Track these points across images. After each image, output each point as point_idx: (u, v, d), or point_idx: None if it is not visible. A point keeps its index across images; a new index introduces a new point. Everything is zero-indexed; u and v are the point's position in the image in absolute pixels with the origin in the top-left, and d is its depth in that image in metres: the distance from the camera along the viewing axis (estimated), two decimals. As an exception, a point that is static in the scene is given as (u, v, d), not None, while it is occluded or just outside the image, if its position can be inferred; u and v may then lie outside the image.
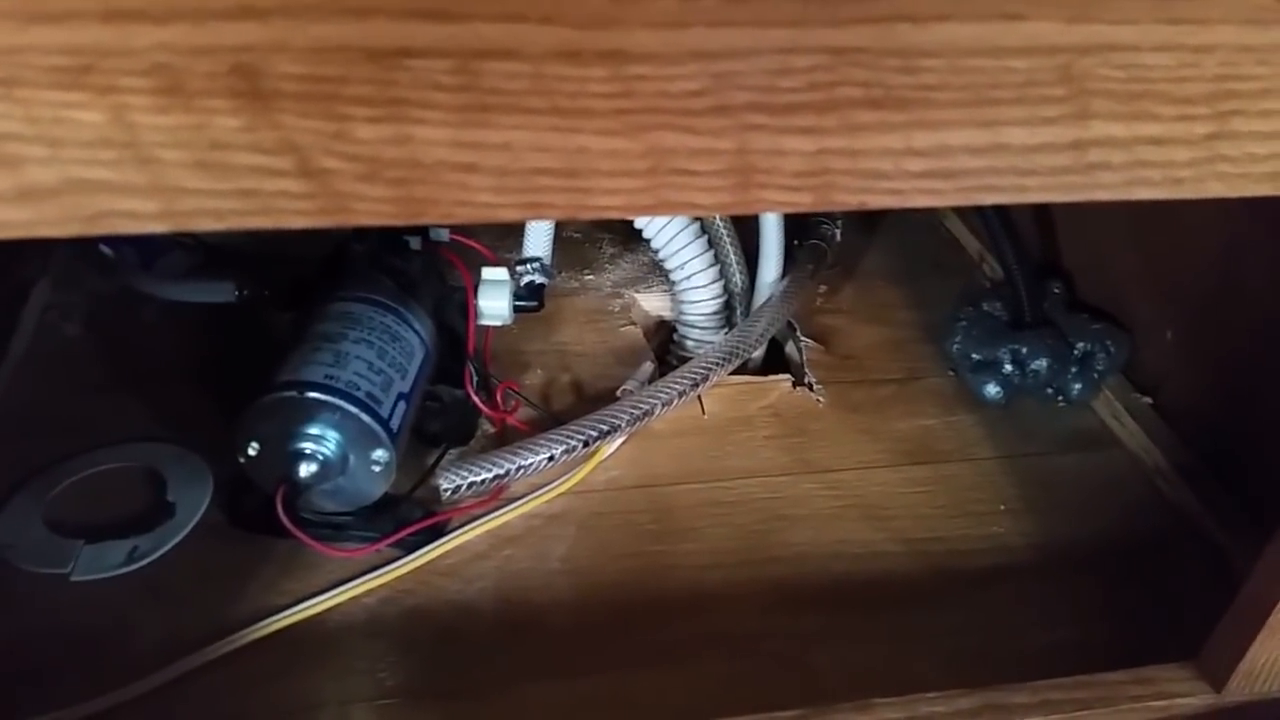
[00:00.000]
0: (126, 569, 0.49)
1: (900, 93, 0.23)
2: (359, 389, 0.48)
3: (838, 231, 0.74)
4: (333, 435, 0.48)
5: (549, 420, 0.59)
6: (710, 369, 0.61)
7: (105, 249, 0.64)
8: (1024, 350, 0.63)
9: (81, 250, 0.65)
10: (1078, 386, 0.64)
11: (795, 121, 0.23)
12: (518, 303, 0.58)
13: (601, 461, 0.57)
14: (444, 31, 0.21)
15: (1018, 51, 0.23)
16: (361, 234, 0.56)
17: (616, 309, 0.70)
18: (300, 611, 0.48)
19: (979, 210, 0.68)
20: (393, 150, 0.22)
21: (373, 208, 0.22)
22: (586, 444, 0.56)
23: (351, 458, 0.48)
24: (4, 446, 0.55)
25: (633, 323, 0.69)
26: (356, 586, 0.49)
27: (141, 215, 0.21)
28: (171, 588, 0.49)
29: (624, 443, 0.59)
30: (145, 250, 0.65)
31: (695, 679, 0.46)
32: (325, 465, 0.48)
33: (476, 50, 0.21)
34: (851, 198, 0.25)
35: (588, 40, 0.21)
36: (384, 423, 0.48)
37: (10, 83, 0.20)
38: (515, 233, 0.60)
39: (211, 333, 0.61)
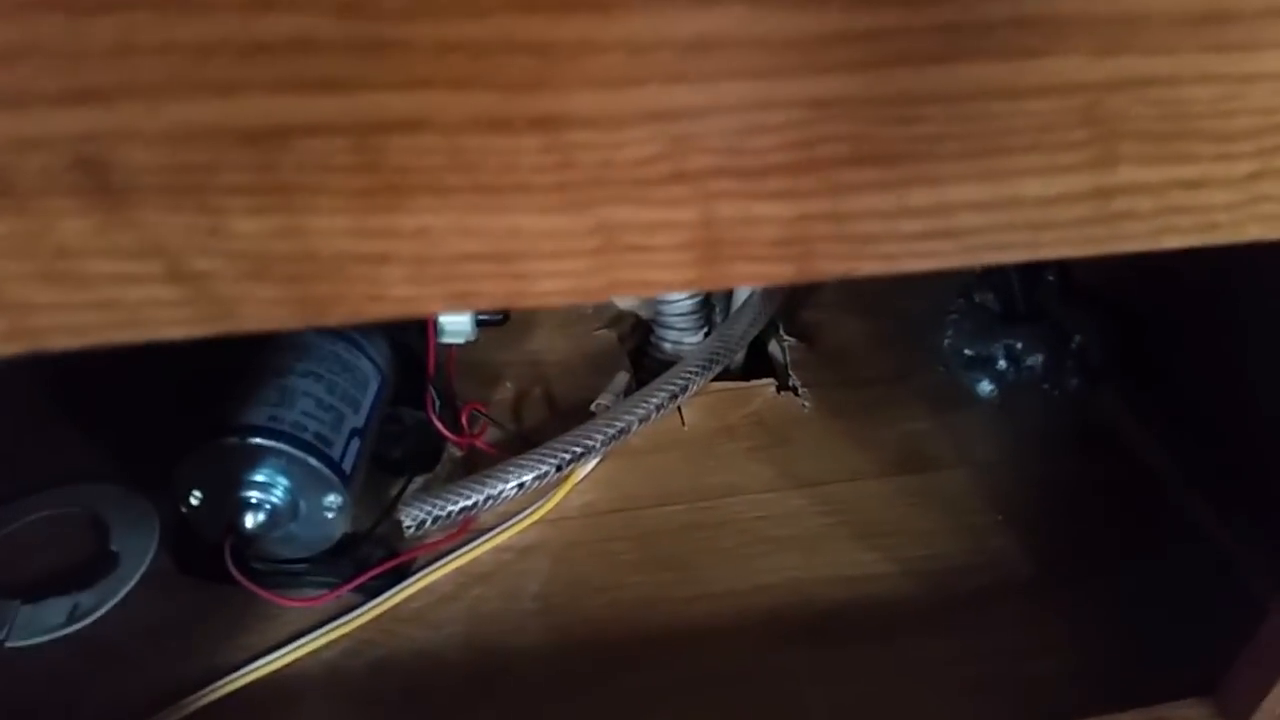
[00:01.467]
0: (67, 629, 0.45)
1: (892, 146, 0.20)
2: (306, 430, 0.44)
3: (820, 219, 0.70)
4: (280, 481, 0.44)
5: (519, 442, 0.55)
6: (689, 379, 0.57)
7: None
8: (1019, 345, 0.60)
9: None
10: (1075, 381, 0.61)
11: (768, 185, 0.19)
12: (480, 316, 0.55)
13: (576, 485, 0.54)
14: (333, 104, 0.17)
15: (1034, 92, 0.20)
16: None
17: (590, 311, 0.66)
18: (256, 670, 0.45)
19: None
20: (282, 244, 0.18)
21: (264, 311, 0.19)
22: (559, 468, 0.52)
23: (302, 503, 0.45)
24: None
25: (606, 327, 0.65)
26: (316, 638, 0.46)
27: (-19, 337, 0.18)
28: (117, 648, 0.45)
29: (599, 463, 0.55)
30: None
31: (677, 708, 0.43)
32: (274, 513, 0.44)
33: (376, 124, 0.17)
34: (838, 266, 0.21)
35: (516, 105, 0.17)
36: (335, 465, 0.45)
37: None
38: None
39: (157, 364, 0.57)
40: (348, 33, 0.16)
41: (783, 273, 0.21)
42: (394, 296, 0.19)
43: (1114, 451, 0.59)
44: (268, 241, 0.18)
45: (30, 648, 0.45)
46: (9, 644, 0.45)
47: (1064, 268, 0.66)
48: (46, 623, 0.45)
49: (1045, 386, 0.61)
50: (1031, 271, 0.64)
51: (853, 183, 0.20)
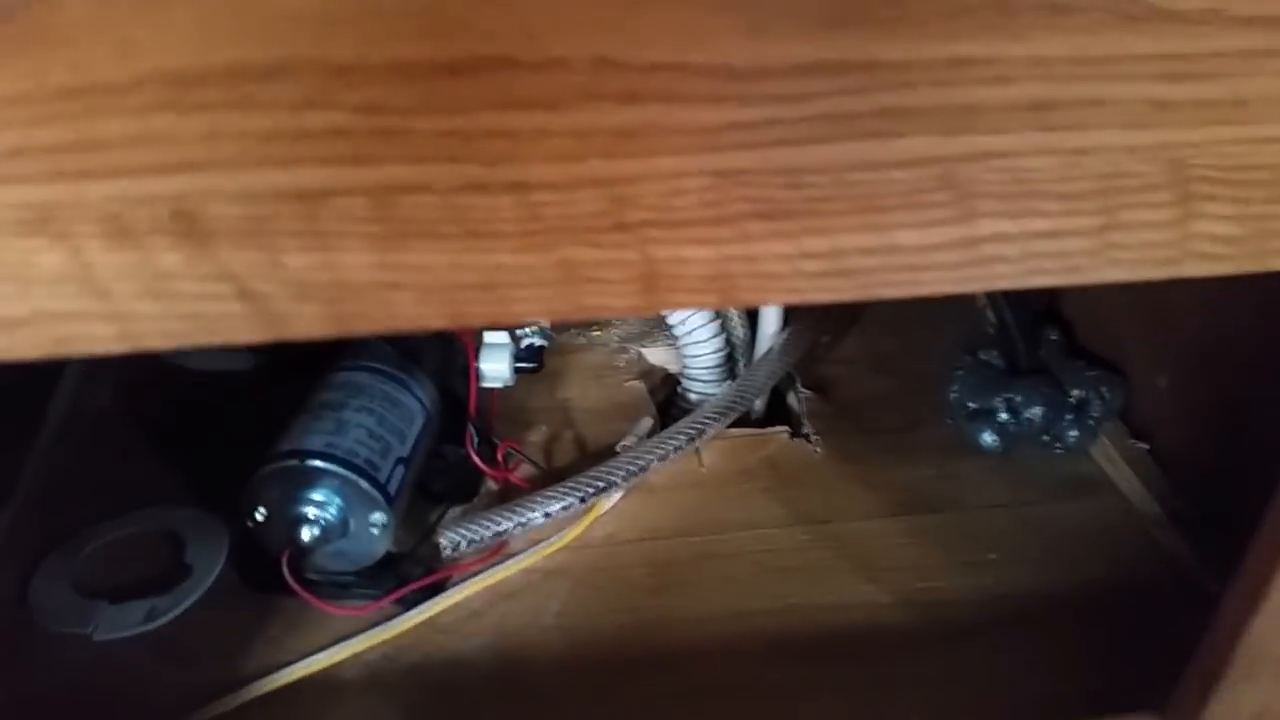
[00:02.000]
0: (145, 628, 0.52)
1: (787, 205, 0.25)
2: (358, 455, 0.51)
3: (839, 282, 0.76)
4: (333, 500, 0.50)
5: (549, 478, 0.61)
6: (708, 423, 0.63)
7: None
8: (1019, 398, 0.64)
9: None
10: (1074, 434, 0.64)
11: (692, 234, 0.25)
12: (518, 364, 0.61)
13: (599, 517, 0.59)
14: (359, 174, 0.23)
15: (898, 164, 0.25)
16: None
17: (622, 364, 0.72)
18: (305, 668, 0.50)
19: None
20: (322, 275, 0.24)
21: (308, 324, 0.25)
22: (583, 499, 0.58)
23: (351, 521, 0.51)
24: (38, 512, 0.58)
25: (637, 378, 0.71)
26: (359, 643, 0.52)
27: (101, 339, 0.24)
28: (187, 645, 0.52)
29: (622, 498, 0.60)
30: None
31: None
32: (327, 529, 0.51)
33: (390, 187, 0.23)
34: (755, 297, 0.27)
35: (492, 175, 0.24)
36: (382, 487, 0.51)
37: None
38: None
39: (230, 401, 0.64)
40: (369, 124, 0.22)
41: (710, 301, 0.27)
42: (405, 315, 0.25)
43: (1105, 498, 0.62)
44: (311, 273, 0.24)
45: (113, 641, 0.51)
46: (96, 638, 0.51)
47: (1066, 328, 0.70)
48: (127, 621, 0.52)
49: (1045, 438, 0.65)
50: (1035, 332, 0.68)
51: (758, 233, 0.26)
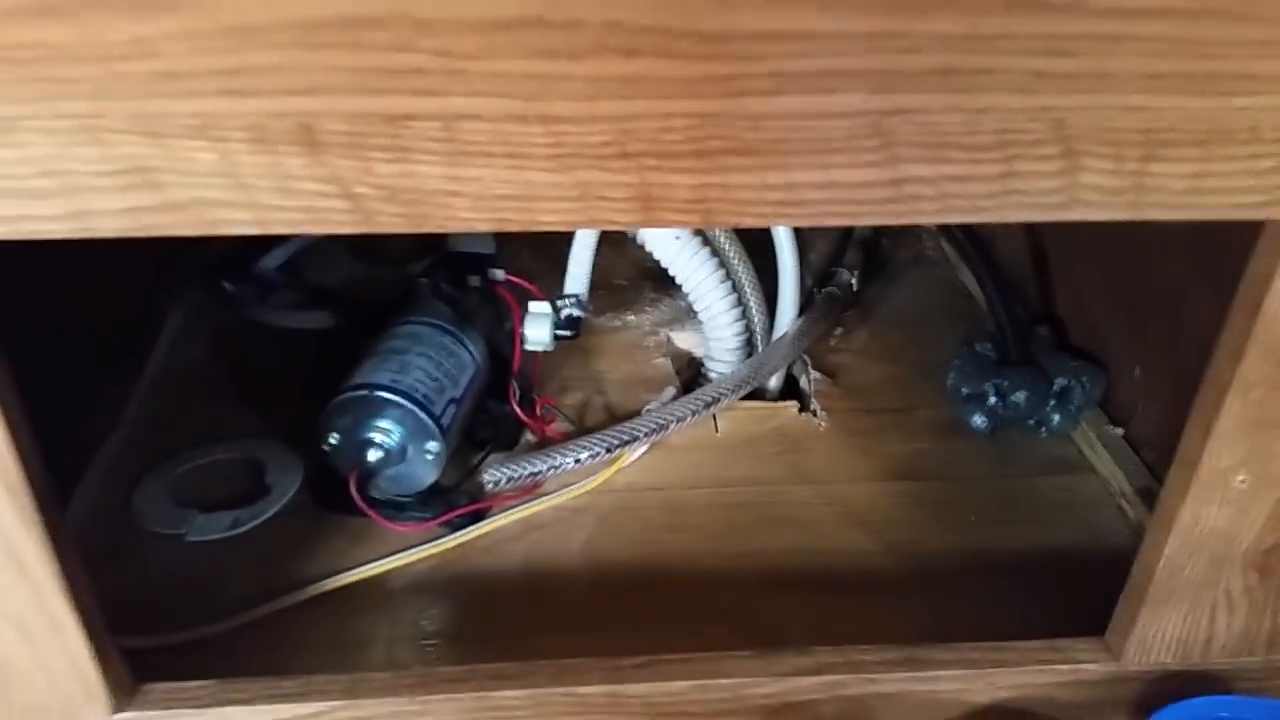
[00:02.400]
0: (230, 533, 0.61)
1: (753, 144, 0.33)
2: (418, 391, 0.59)
3: (854, 281, 0.83)
4: (395, 428, 0.59)
5: (580, 432, 0.69)
6: (723, 393, 0.70)
7: (227, 285, 0.78)
8: (1006, 384, 0.71)
9: (208, 287, 0.79)
10: (1056, 418, 0.71)
11: (679, 164, 0.33)
12: (558, 332, 0.69)
13: (622, 467, 0.67)
14: (433, 103, 0.32)
15: (836, 115, 0.33)
16: (428, 272, 0.68)
17: (651, 345, 0.80)
18: (364, 572, 0.59)
19: (974, 263, 0.77)
20: (402, 181, 0.33)
21: (390, 220, 0.33)
22: (609, 450, 0.66)
23: (410, 448, 0.60)
24: (141, 439, 0.68)
25: (665, 357, 0.79)
26: (410, 556, 0.60)
27: (240, 222, 0.33)
28: (264, 550, 0.60)
29: (644, 452, 0.68)
30: (259, 287, 0.78)
31: (684, 637, 0.54)
32: (389, 453, 0.59)
33: (455, 115, 0.32)
34: (729, 219, 0.35)
35: (529, 108, 0.32)
36: (436, 420, 0.59)
37: (155, 135, 0.31)
38: (558, 273, 0.71)
39: (308, 353, 0.73)
40: (440, 65, 0.31)
41: (694, 220, 0.35)
42: (460, 218, 0.34)
43: (1082, 475, 0.68)
44: (395, 179, 0.33)
45: (202, 543, 0.60)
46: (188, 539, 0.60)
47: (1057, 325, 0.77)
48: (215, 527, 0.61)
49: (1031, 422, 0.72)
50: (1027, 328, 0.75)
51: (731, 165, 0.34)
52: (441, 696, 0.47)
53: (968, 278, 0.89)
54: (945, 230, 0.82)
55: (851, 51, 0.32)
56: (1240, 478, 0.45)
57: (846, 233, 0.90)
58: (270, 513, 0.62)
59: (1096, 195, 0.36)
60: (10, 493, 0.39)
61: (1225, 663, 0.51)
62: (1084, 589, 0.56)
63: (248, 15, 0.30)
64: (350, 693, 0.47)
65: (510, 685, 0.48)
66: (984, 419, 0.72)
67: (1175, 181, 0.36)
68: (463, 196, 0.33)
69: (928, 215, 0.35)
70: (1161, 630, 0.50)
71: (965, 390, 0.73)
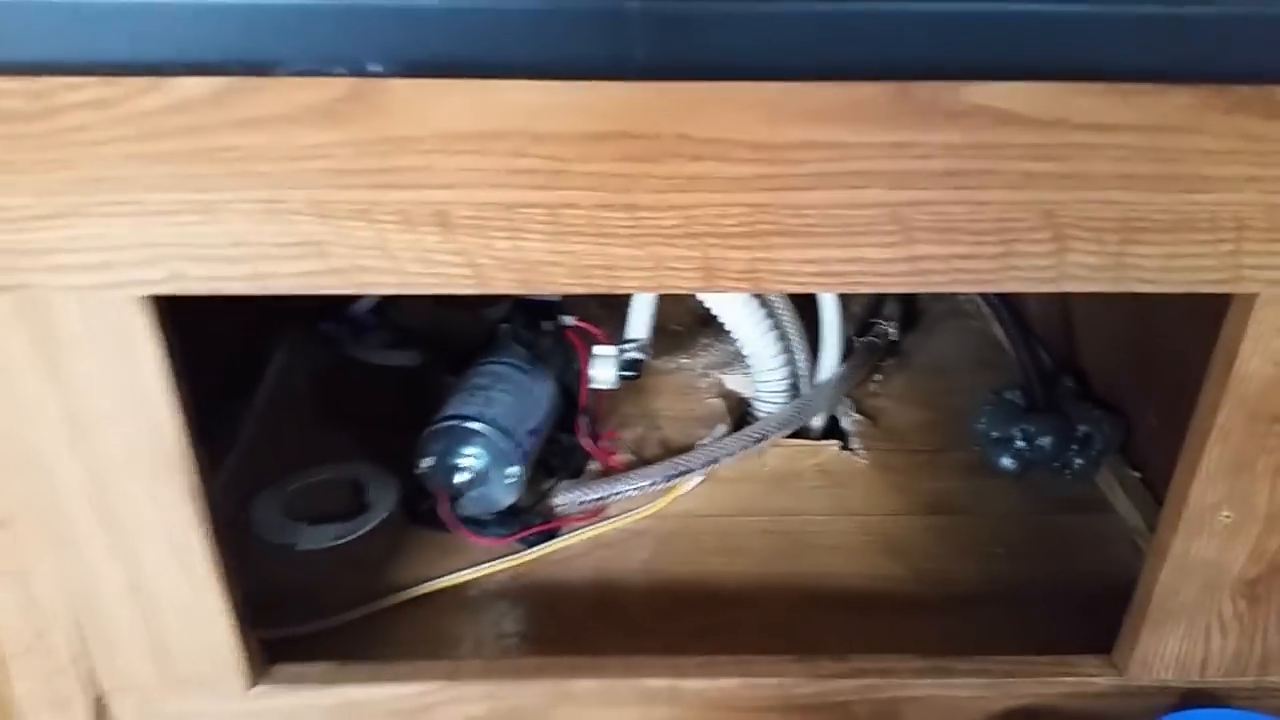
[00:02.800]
0: (334, 544, 0.69)
1: (795, 228, 0.41)
2: (500, 422, 0.68)
3: (892, 331, 0.91)
4: (481, 454, 0.67)
5: (640, 463, 0.77)
6: (770, 431, 0.78)
7: (326, 327, 0.88)
8: (1033, 429, 0.78)
9: (308, 328, 0.89)
10: (1079, 461, 0.77)
11: (734, 243, 0.42)
12: (621, 373, 0.77)
13: (679, 496, 0.75)
14: (542, 195, 0.40)
15: (862, 206, 0.41)
16: (507, 318, 0.77)
17: (704, 386, 0.88)
18: (451, 579, 0.67)
19: (1003, 318, 0.84)
20: (515, 254, 0.41)
21: (503, 284, 0.42)
22: (667, 480, 0.74)
23: (492, 472, 0.68)
24: (255, 462, 0.77)
25: (717, 397, 0.87)
26: (490, 567, 0.68)
27: (388, 285, 0.42)
28: (363, 559, 0.69)
29: (698, 483, 0.76)
30: (354, 328, 0.88)
31: (728, 645, 0.62)
32: (474, 476, 0.68)
33: (558, 204, 0.40)
34: (774, 286, 0.43)
35: (616, 199, 0.40)
36: (517, 447, 0.68)
37: (325, 216, 0.40)
38: (622, 320, 0.79)
39: (397, 386, 0.83)
40: (549, 166, 0.39)
41: (746, 287, 0.43)
42: (557, 283, 0.42)
43: (1102, 514, 0.74)
44: (509, 253, 0.41)
45: (310, 551, 0.69)
46: (298, 548, 0.69)
47: (1081, 376, 0.83)
48: (321, 538, 0.70)
49: (1055, 465, 0.78)
50: (1052, 378, 0.82)
51: (776, 244, 0.42)
52: (526, 683, 0.55)
53: (999, 330, 0.95)
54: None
55: (874, 156, 0.40)
56: (1225, 514, 0.51)
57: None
58: (369, 526, 0.71)
59: (1083, 271, 0.43)
60: (183, 498, 0.48)
61: (1220, 681, 0.57)
62: (1098, 614, 0.61)
63: (401, 128, 0.39)
64: (450, 676, 0.55)
65: (584, 675, 0.56)
66: (1011, 461, 0.78)
67: (1150, 261, 0.43)
68: (561, 266, 0.42)
69: (940, 286, 0.43)
70: (1161, 649, 0.56)
71: (994, 434, 0.79)
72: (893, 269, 0.43)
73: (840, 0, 0.37)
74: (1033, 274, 0.43)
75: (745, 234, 0.41)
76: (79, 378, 0.45)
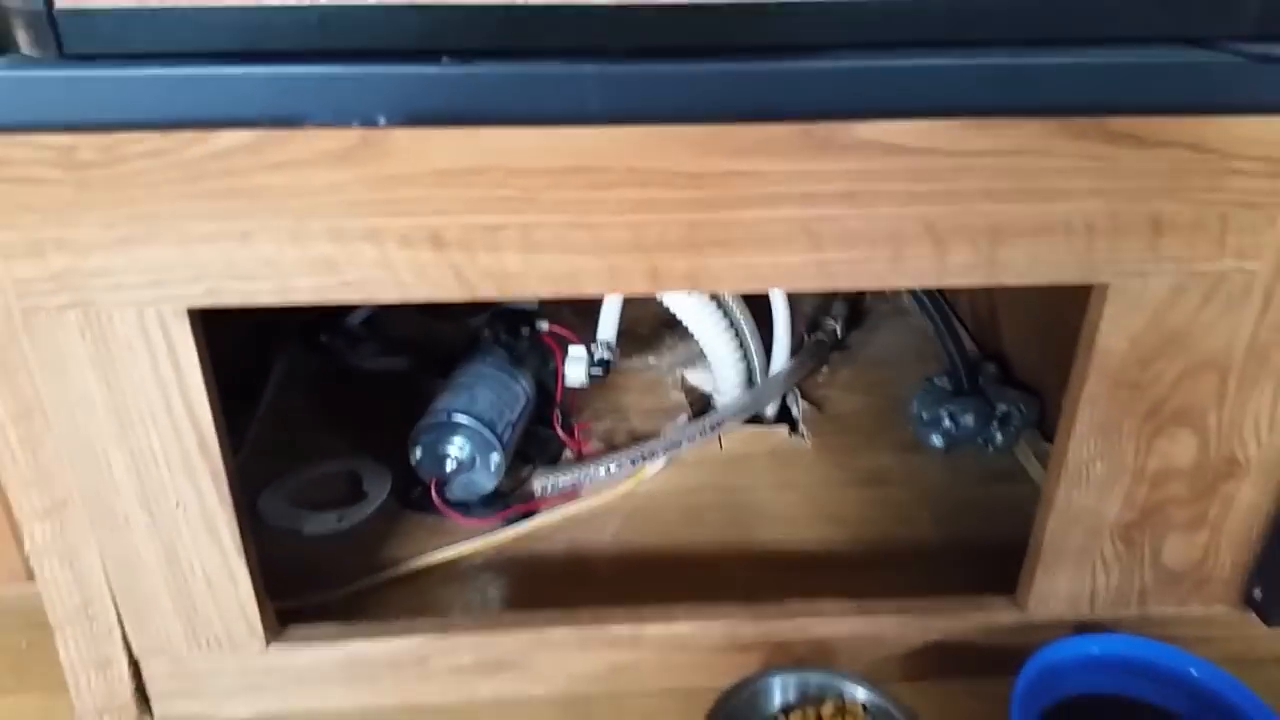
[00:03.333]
0: (336, 528, 0.78)
1: (725, 240, 0.50)
2: (484, 416, 0.77)
3: (839, 328, 1.00)
4: (467, 444, 0.76)
5: (609, 450, 0.86)
6: (726, 418, 0.87)
7: (323, 338, 0.96)
8: (957, 410, 0.87)
9: (306, 339, 0.97)
10: (999, 437, 0.87)
11: (676, 253, 0.51)
12: (592, 371, 0.86)
13: (644, 478, 0.84)
14: (517, 218, 0.49)
15: (779, 221, 0.50)
16: (489, 324, 0.86)
17: (669, 382, 0.97)
18: (439, 556, 0.75)
19: (930, 312, 0.93)
20: (495, 267, 0.50)
21: (486, 291, 0.51)
22: (634, 463, 0.83)
23: (477, 459, 0.77)
24: (262, 459, 0.85)
25: (680, 391, 0.96)
26: (476, 544, 0.77)
27: (388, 295, 0.51)
28: (363, 540, 0.77)
29: (662, 466, 0.85)
30: (348, 339, 0.96)
31: (688, 597, 0.70)
32: (461, 464, 0.76)
33: (530, 224, 0.49)
34: (710, 287, 0.52)
35: (577, 220, 0.49)
36: (499, 438, 0.76)
37: (339, 240, 0.49)
38: (592, 325, 0.88)
39: (391, 390, 0.91)
40: (522, 194, 0.48)
41: (687, 288, 0.52)
42: (531, 289, 0.51)
43: (1020, 484, 0.84)
44: (491, 265, 0.50)
45: (314, 535, 0.77)
46: (304, 532, 0.77)
47: (1003, 363, 0.93)
48: (324, 523, 0.78)
49: (979, 441, 0.88)
50: (975, 364, 0.91)
51: (711, 254, 0.51)
52: (509, 632, 0.64)
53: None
54: (909, 288, 0.98)
55: (785, 181, 0.49)
56: (1099, 467, 0.61)
57: (834, 290, 1.08)
58: (368, 512, 0.79)
59: (961, 270, 0.53)
60: (214, 478, 0.57)
61: (1108, 614, 0.67)
62: (1010, 567, 0.70)
63: (402, 167, 0.47)
64: (441, 631, 0.64)
65: (559, 624, 0.64)
66: (940, 439, 0.88)
67: (1017, 260, 0.53)
68: (533, 275, 0.51)
69: (845, 284, 0.53)
70: (1055, 587, 0.65)
71: (925, 416, 0.89)
72: (806, 271, 0.52)
73: (753, 61, 0.46)
74: (919, 273, 0.53)
75: (685, 245, 0.51)
76: (129, 379, 0.53)
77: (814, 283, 0.52)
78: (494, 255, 0.50)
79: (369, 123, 0.45)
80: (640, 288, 0.52)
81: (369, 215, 0.49)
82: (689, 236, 0.50)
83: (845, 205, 0.50)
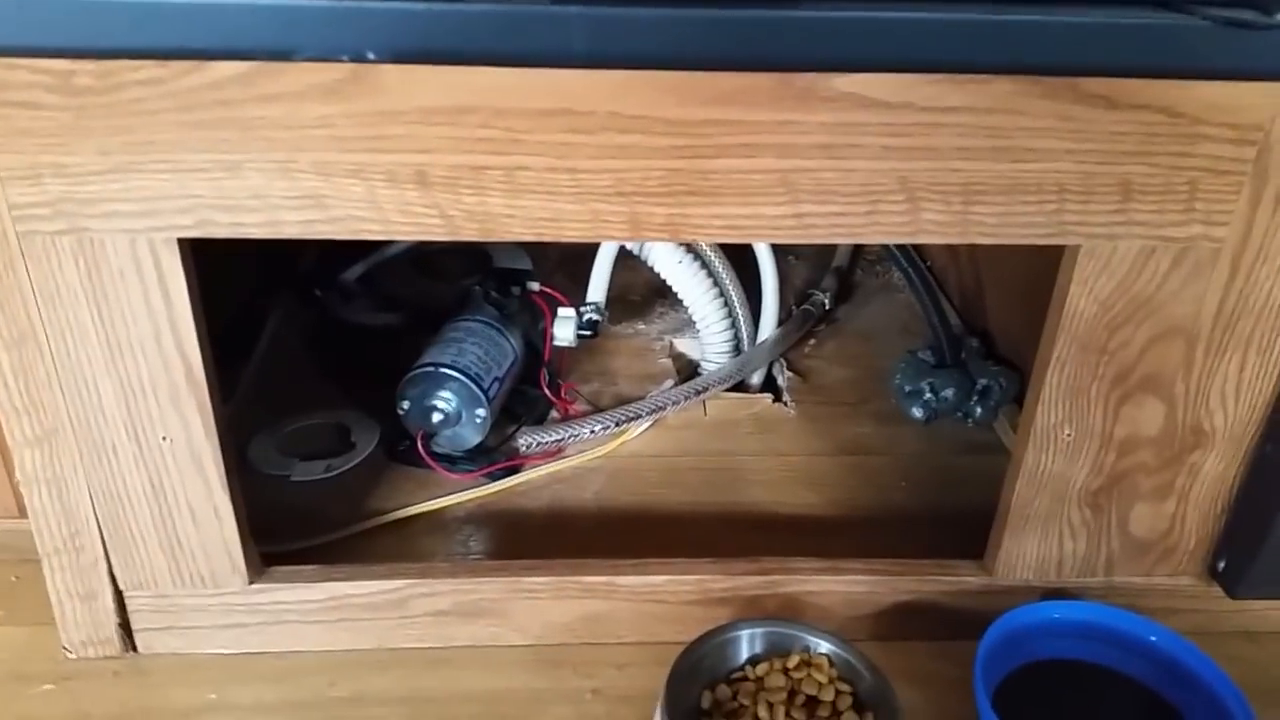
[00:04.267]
0: (324, 476, 0.79)
1: (703, 189, 0.52)
2: (471, 370, 0.78)
3: (827, 301, 1.02)
4: (453, 397, 0.78)
5: (595, 411, 0.87)
6: (711, 384, 0.89)
7: (317, 292, 0.97)
8: (938, 383, 0.89)
9: (301, 293, 0.98)
10: (979, 410, 0.88)
11: (656, 200, 0.52)
12: (580, 332, 0.87)
13: (627, 440, 0.85)
14: (501, 159, 0.50)
15: (756, 172, 0.52)
16: (480, 282, 0.87)
17: (658, 349, 0.99)
18: (424, 507, 0.77)
19: (916, 287, 0.94)
20: (479, 208, 0.52)
21: (469, 232, 0.52)
22: (618, 424, 0.84)
23: (463, 413, 0.78)
24: (253, 408, 0.87)
25: (668, 357, 0.97)
26: (460, 497, 0.78)
27: (374, 231, 0.52)
28: (349, 489, 0.79)
29: (645, 429, 0.86)
30: (343, 294, 0.98)
31: (668, 554, 0.72)
32: (447, 417, 0.78)
33: (514, 167, 0.51)
34: (688, 236, 0.54)
35: (560, 163, 0.51)
36: (484, 391, 0.78)
37: (326, 175, 0.50)
38: (582, 287, 0.89)
39: (381, 345, 0.92)
40: (507, 136, 0.50)
41: (665, 236, 0.53)
42: (514, 231, 0.52)
43: (997, 456, 0.85)
44: (475, 206, 0.51)
45: (302, 482, 0.79)
46: (292, 479, 0.79)
47: (986, 338, 0.94)
48: (313, 471, 0.80)
49: (959, 414, 0.89)
50: (957, 338, 0.93)
51: (689, 202, 0.52)
52: (488, 579, 0.65)
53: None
54: (896, 262, 0.99)
55: (764, 131, 0.50)
56: (1066, 432, 0.62)
57: (825, 263, 1.09)
58: (355, 462, 0.81)
59: (934, 226, 0.54)
60: (201, 412, 0.58)
61: (1075, 581, 0.68)
62: (982, 534, 0.72)
63: (390, 104, 0.49)
64: (421, 575, 0.66)
65: (536, 573, 0.66)
66: (921, 410, 0.89)
67: (989, 218, 0.54)
68: (516, 218, 0.52)
69: (821, 238, 0.54)
70: (1023, 553, 0.67)
71: (907, 388, 0.90)
72: (783, 224, 0.53)
73: (734, 8, 0.47)
74: (894, 228, 0.54)
75: (664, 193, 0.52)
76: (120, 307, 0.54)
77: (792, 235, 0.54)
78: (478, 196, 0.51)
79: (359, 58, 0.46)
80: (620, 234, 0.53)
81: (356, 151, 0.50)
82: (668, 184, 0.52)
83: (822, 157, 0.51)
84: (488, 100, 0.49)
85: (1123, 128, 0.51)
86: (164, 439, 0.59)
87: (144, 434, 0.59)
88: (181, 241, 0.53)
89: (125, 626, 0.67)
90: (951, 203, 0.53)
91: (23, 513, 0.64)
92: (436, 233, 0.52)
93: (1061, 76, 0.50)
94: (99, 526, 0.63)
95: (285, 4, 0.45)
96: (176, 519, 0.62)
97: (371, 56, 0.46)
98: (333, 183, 0.51)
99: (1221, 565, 0.68)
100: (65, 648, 0.67)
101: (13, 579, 0.74)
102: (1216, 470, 0.64)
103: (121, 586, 0.65)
